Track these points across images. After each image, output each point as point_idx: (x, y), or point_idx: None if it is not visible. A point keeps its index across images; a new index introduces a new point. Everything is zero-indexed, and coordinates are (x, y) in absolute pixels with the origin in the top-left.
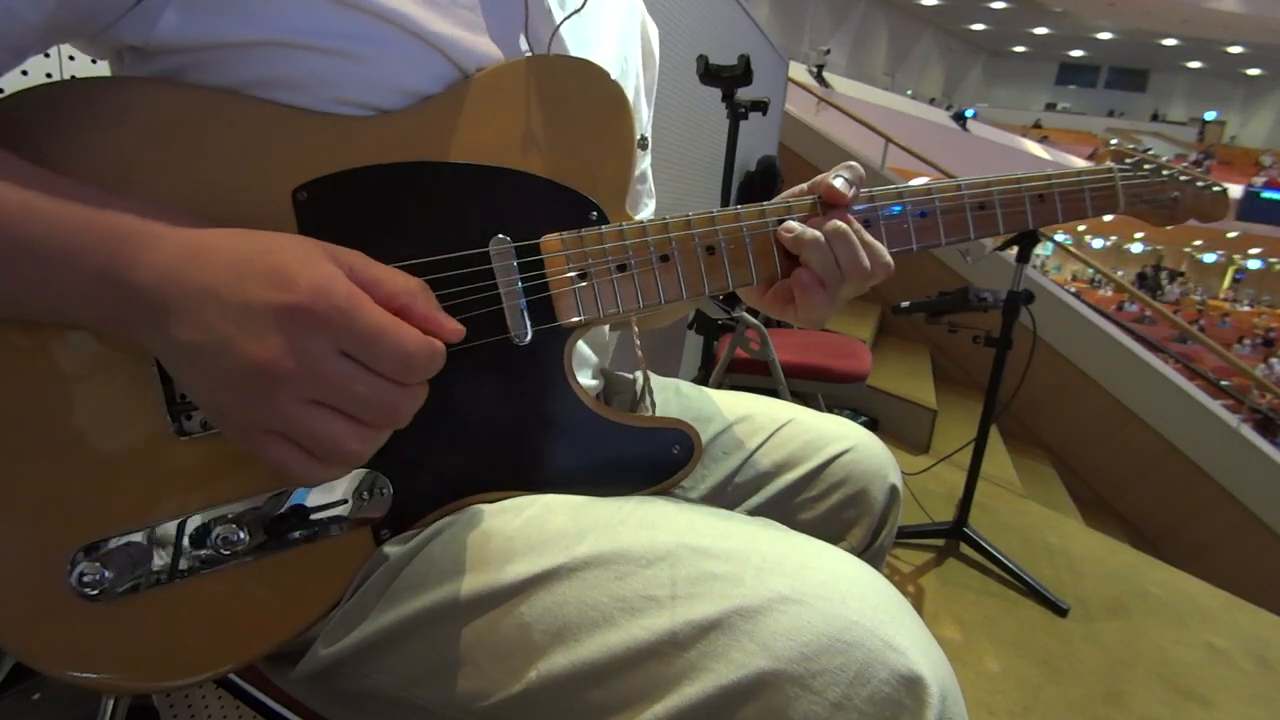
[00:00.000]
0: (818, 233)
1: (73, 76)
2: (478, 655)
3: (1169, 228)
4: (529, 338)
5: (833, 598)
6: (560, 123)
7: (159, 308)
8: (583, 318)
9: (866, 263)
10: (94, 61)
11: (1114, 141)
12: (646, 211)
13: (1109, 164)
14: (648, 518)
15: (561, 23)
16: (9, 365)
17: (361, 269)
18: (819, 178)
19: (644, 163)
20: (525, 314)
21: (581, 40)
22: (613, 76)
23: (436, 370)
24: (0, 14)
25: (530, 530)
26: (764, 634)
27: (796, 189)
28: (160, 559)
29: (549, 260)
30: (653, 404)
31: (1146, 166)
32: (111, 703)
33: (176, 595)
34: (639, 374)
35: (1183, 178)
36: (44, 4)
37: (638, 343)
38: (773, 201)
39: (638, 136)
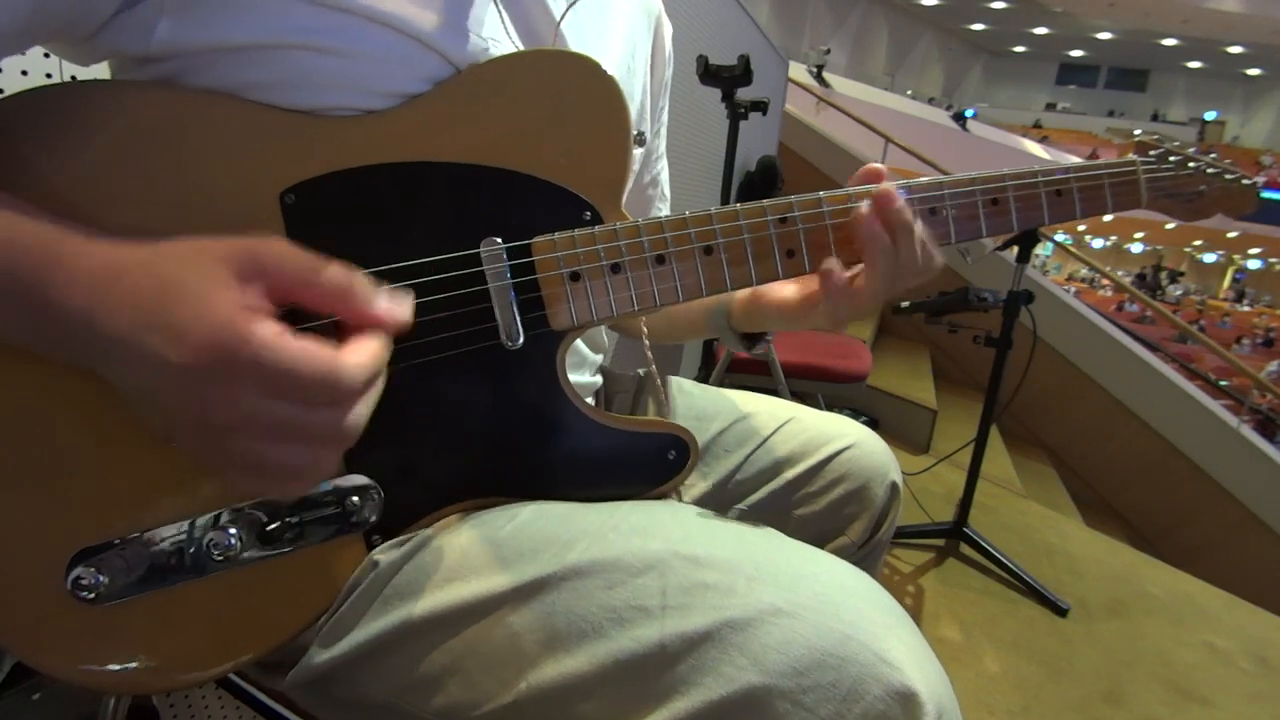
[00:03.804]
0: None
1: (73, 78)
2: (468, 665)
3: (1170, 226)
4: (521, 341)
5: (826, 610)
6: (552, 119)
7: (96, 350)
8: (575, 321)
9: (919, 257)
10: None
11: (1137, 132)
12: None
13: (1131, 156)
14: (639, 524)
15: (563, 16)
16: (1, 376)
17: (283, 275)
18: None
19: (657, 168)
20: (517, 317)
21: (584, 35)
22: (616, 74)
23: (369, 381)
24: None
25: (520, 537)
26: (755, 647)
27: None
28: (154, 564)
29: (541, 262)
30: (668, 405)
31: (1172, 158)
32: (113, 702)
33: (171, 599)
34: (641, 372)
35: (1210, 170)
36: (18, 9)
37: (647, 346)
38: (775, 200)
39: (634, 133)
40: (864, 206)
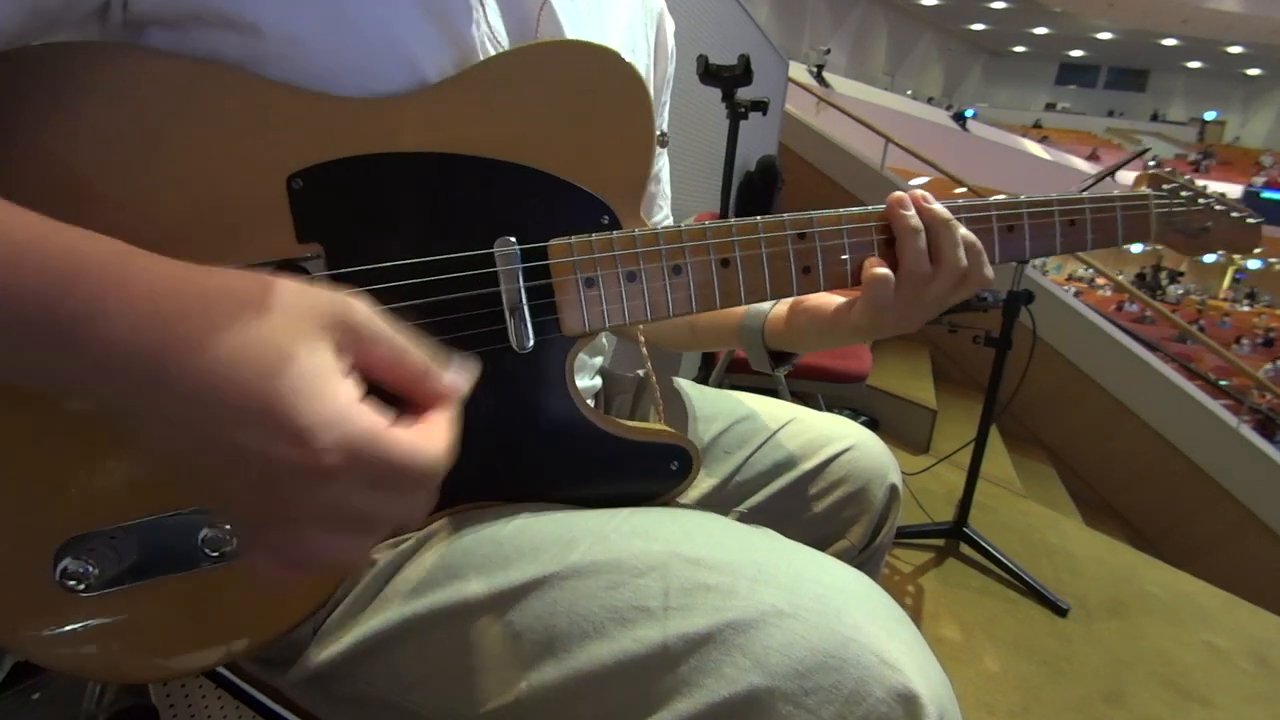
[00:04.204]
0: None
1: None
2: (469, 663)
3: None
4: (530, 345)
5: (828, 612)
6: (574, 115)
7: (127, 409)
8: (587, 327)
9: (963, 258)
10: None
11: (1152, 162)
12: (660, 215)
13: (1144, 190)
14: (641, 526)
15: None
16: None
17: (374, 355)
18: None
19: (659, 164)
20: (527, 321)
21: (580, 30)
22: None
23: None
24: None
25: (522, 537)
26: (757, 649)
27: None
28: (145, 557)
29: (555, 266)
30: (660, 412)
31: (1184, 194)
32: (97, 691)
33: (162, 591)
34: (640, 373)
35: (1218, 207)
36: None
37: (644, 348)
38: (795, 215)
39: (657, 132)
40: (898, 194)
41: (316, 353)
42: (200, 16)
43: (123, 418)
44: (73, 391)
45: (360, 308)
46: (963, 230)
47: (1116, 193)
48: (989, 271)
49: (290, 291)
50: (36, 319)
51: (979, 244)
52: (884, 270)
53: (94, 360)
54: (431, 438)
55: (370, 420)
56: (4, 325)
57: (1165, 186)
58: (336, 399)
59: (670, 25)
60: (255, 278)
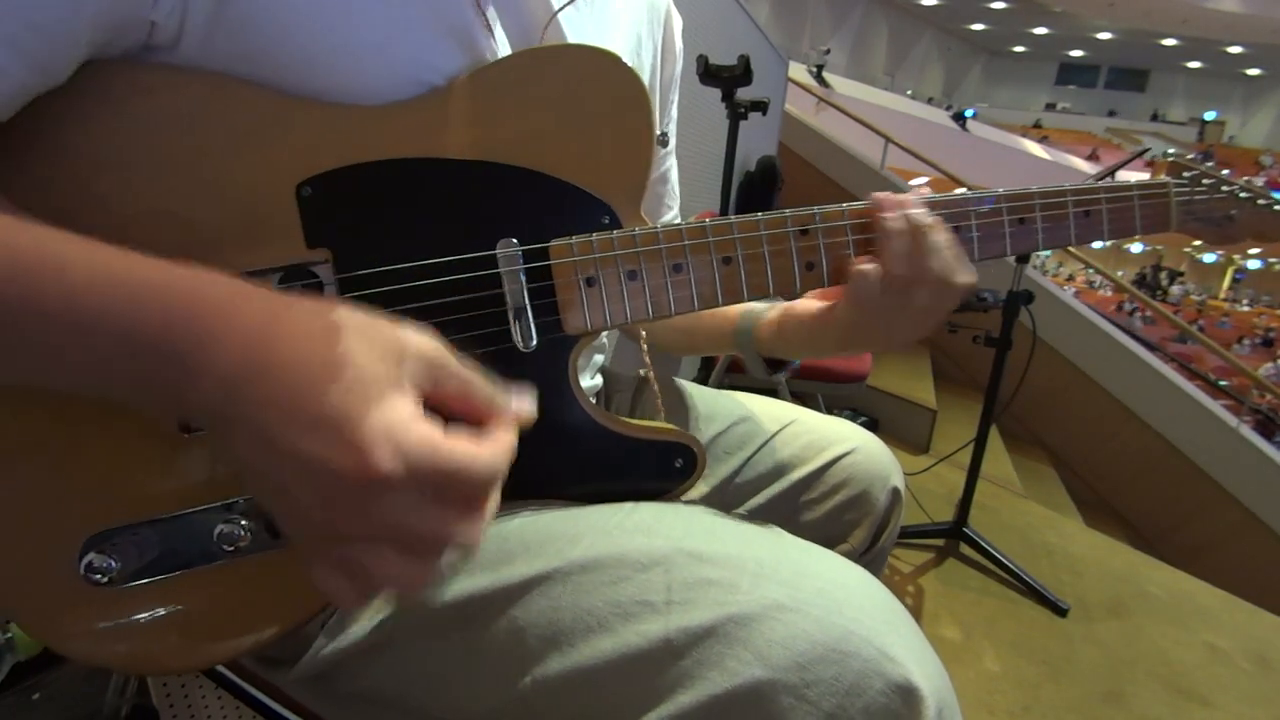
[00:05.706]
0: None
1: None
2: (473, 659)
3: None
4: (534, 345)
5: (829, 606)
6: (574, 117)
7: (221, 420)
8: (589, 326)
9: (942, 265)
10: None
11: (1170, 152)
12: (670, 215)
13: (1164, 177)
14: (643, 521)
15: (560, 9)
16: None
17: (444, 387)
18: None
19: (666, 164)
20: (531, 321)
21: (583, 32)
22: None
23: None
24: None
25: (525, 532)
26: (759, 642)
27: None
28: (164, 551)
29: (557, 266)
30: (661, 407)
31: (1206, 181)
32: (121, 684)
33: (179, 586)
34: (641, 373)
35: (1243, 194)
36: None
37: (645, 350)
38: (797, 210)
39: (657, 133)
40: (881, 196)
41: (383, 382)
42: (237, 54)
43: (213, 428)
44: (170, 406)
45: (425, 341)
46: (941, 235)
47: (1134, 181)
48: (971, 278)
49: (358, 327)
50: (156, 345)
51: (957, 246)
52: (868, 265)
53: (197, 382)
54: (487, 445)
55: (427, 429)
56: (127, 347)
57: (1186, 174)
58: (395, 410)
59: (678, 23)
60: (323, 317)
